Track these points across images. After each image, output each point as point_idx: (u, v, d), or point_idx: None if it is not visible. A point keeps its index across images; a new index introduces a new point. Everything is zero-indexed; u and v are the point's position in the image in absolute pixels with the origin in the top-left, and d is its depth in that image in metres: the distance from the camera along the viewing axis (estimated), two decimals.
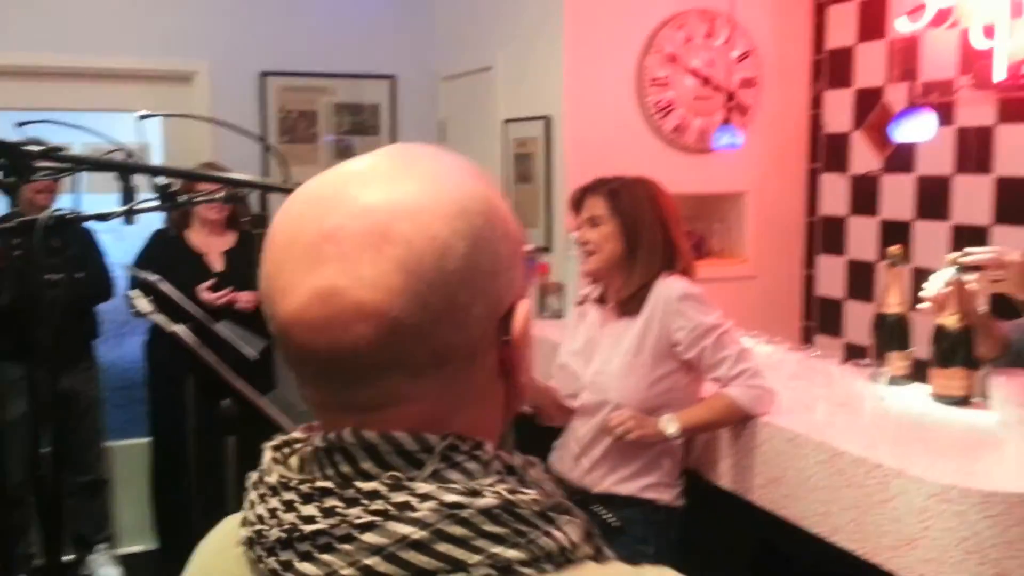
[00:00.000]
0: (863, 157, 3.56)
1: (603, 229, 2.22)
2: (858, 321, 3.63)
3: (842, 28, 3.61)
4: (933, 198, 3.27)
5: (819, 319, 3.79)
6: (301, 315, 0.61)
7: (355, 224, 0.61)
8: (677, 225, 2.22)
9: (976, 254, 2.07)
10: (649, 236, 2.17)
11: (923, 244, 3.32)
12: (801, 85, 3.78)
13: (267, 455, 0.68)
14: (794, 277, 3.86)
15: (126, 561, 3.98)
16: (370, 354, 0.61)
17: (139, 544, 4.11)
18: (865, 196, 3.56)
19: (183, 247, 3.82)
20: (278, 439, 0.70)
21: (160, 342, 3.73)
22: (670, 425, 2.05)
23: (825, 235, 3.77)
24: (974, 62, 3.00)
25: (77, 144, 4.21)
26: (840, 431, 1.92)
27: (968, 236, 3.13)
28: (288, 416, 1.63)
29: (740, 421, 2.06)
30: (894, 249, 2.32)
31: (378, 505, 0.59)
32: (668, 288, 2.12)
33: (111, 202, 1.80)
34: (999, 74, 2.82)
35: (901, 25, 3.14)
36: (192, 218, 3.88)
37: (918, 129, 2.53)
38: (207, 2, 4.17)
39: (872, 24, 3.47)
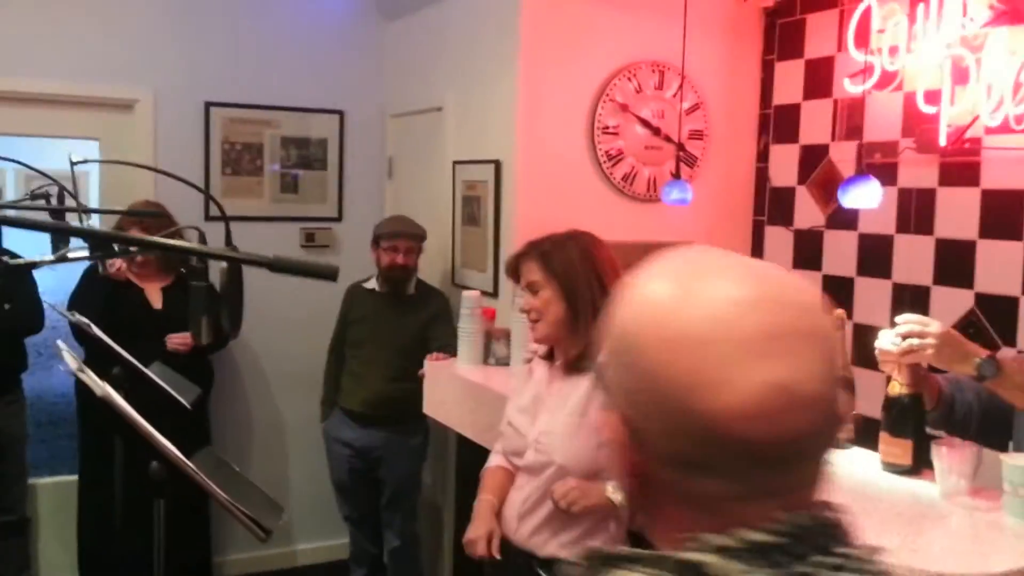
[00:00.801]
0: (807, 212, 3.61)
1: (543, 294, 2.19)
2: None
3: (789, 85, 3.67)
4: (875, 256, 3.33)
5: None
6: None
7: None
8: (616, 276, 2.18)
9: (900, 325, 2.09)
10: (587, 293, 2.14)
11: (864, 301, 3.37)
12: (748, 139, 3.83)
13: None
14: None
15: None
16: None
17: None
18: (809, 250, 3.61)
19: (120, 283, 3.69)
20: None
21: None
22: (617, 493, 2.02)
23: None
24: (917, 125, 3.06)
25: (10, 169, 4.08)
26: None
27: (910, 295, 3.18)
28: (217, 476, 1.55)
29: None
30: (837, 313, 2.33)
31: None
32: None
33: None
34: (942, 139, 2.88)
35: (847, 85, 3.20)
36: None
37: (864, 196, 2.57)
38: (153, 29, 4.08)
39: (818, 82, 3.53)
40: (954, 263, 3.04)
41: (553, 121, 3.46)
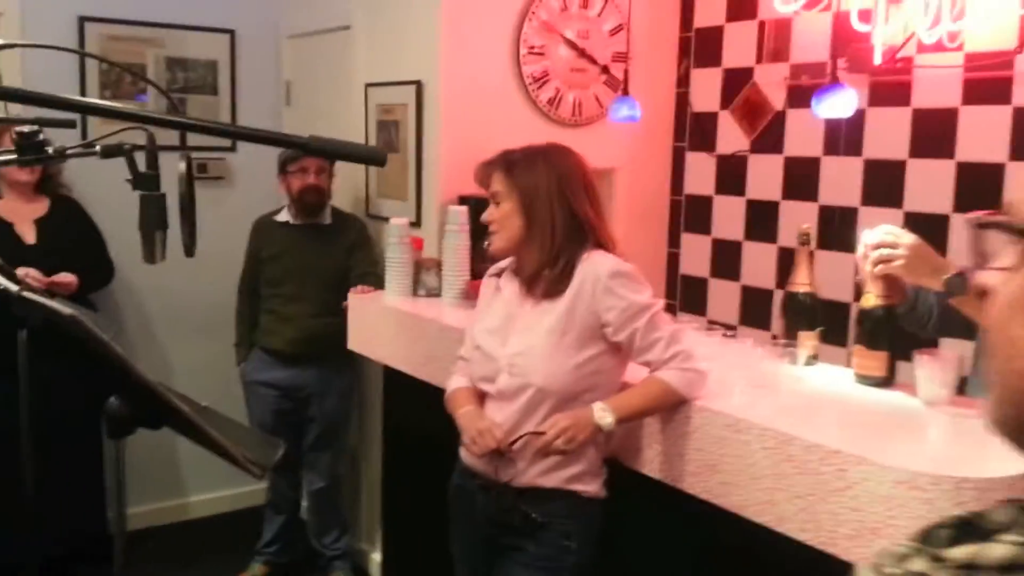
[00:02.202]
0: (730, 137, 3.59)
1: (503, 206, 2.08)
2: (722, 299, 3.67)
3: (711, 7, 3.61)
4: (801, 179, 3.34)
5: (683, 297, 3.81)
6: None
7: None
8: (584, 197, 2.07)
9: (872, 236, 2.07)
10: (547, 211, 2.03)
11: (790, 224, 3.38)
12: (669, 62, 3.76)
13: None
14: (659, 255, 3.86)
15: None
16: None
17: None
18: (732, 176, 3.59)
19: None
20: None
21: None
22: (605, 417, 1.92)
23: (690, 214, 3.78)
24: (847, 45, 3.06)
25: None
26: (774, 414, 1.86)
27: (837, 216, 3.21)
28: (198, 415, 1.35)
29: (674, 406, 1.96)
30: (804, 228, 2.30)
31: None
32: (597, 265, 1.99)
33: None
34: (876, 58, 2.88)
35: (777, 6, 3.16)
36: None
37: (839, 105, 2.53)
38: None
39: (742, 4, 3.48)
40: (884, 183, 3.08)
41: (477, 39, 3.27)
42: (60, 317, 1.15)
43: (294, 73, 4.19)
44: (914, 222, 2.99)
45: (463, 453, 2.14)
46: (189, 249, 1.52)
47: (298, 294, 3.50)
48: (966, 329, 2.31)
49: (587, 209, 2.06)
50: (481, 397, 2.14)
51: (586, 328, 1.98)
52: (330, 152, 0.98)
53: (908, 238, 2.03)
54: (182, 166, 1.46)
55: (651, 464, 2.05)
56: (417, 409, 2.98)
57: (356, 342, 3.15)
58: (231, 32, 4.12)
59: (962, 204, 2.89)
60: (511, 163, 2.07)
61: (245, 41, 4.16)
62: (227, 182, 4.18)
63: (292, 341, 3.50)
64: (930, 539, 0.63)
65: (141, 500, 4.06)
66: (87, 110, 0.97)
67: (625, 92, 3.27)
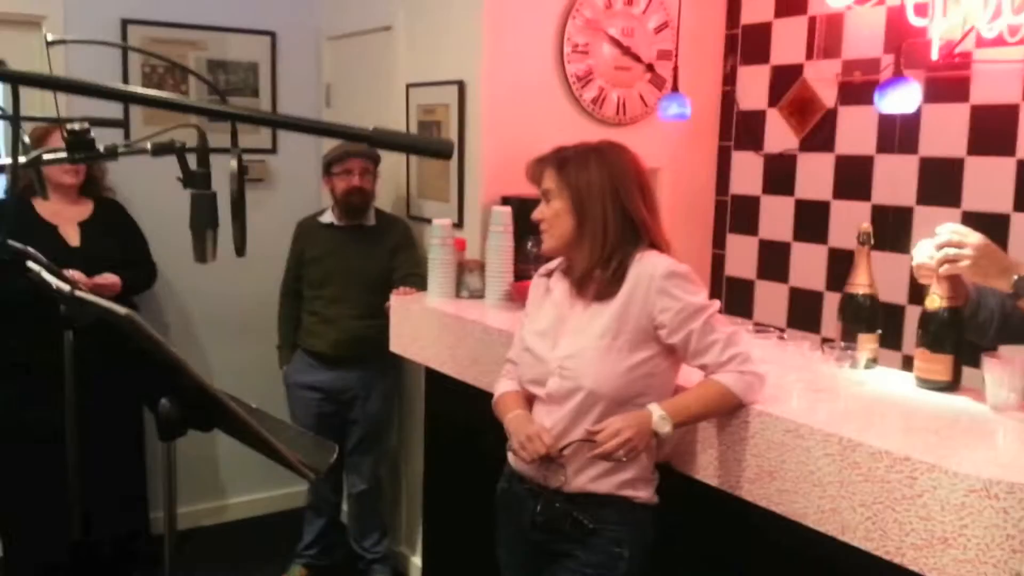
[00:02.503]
0: (779, 135, 3.51)
1: (554, 204, 2.03)
2: (769, 302, 3.59)
3: (758, 3, 3.54)
4: (854, 178, 3.25)
5: (728, 299, 3.73)
6: None
7: None
8: (638, 197, 2.01)
9: (938, 236, 2.01)
10: (599, 210, 1.97)
11: (841, 224, 3.30)
12: (715, 60, 3.69)
13: None
14: (704, 256, 3.79)
15: None
16: None
17: None
18: (780, 175, 3.51)
19: (30, 217, 3.31)
20: None
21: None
22: (663, 424, 1.86)
23: (736, 214, 3.71)
24: (901, 40, 2.97)
25: None
26: (836, 419, 1.80)
27: (892, 216, 3.12)
28: (253, 417, 1.32)
29: (731, 411, 1.90)
30: (864, 227, 2.23)
31: None
32: (651, 265, 1.94)
33: None
34: (934, 53, 2.80)
35: (829, 0, 3.08)
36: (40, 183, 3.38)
37: (903, 99, 2.46)
38: None
39: (792, 0, 3.41)
40: (940, 182, 2.99)
41: (520, 38, 3.23)
42: (115, 316, 1.12)
43: (334, 75, 4.18)
44: (973, 221, 2.88)
45: (511, 458, 2.09)
46: (240, 248, 1.49)
47: (341, 296, 3.48)
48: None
49: (641, 209, 2.00)
50: (530, 401, 2.09)
51: (639, 330, 1.93)
52: (394, 144, 0.94)
53: (975, 237, 1.96)
54: (233, 163, 1.43)
55: (706, 470, 1.99)
56: (459, 412, 2.95)
57: (398, 344, 3.12)
58: (272, 34, 4.11)
59: (1023, 203, 2.80)
60: (563, 160, 2.02)
61: (286, 43, 4.16)
62: (267, 184, 4.18)
63: (335, 343, 3.48)
64: None
65: (180, 501, 4.06)
66: (137, 100, 0.94)
67: (675, 89, 3.21)
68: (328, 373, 3.52)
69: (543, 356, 2.03)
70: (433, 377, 3.07)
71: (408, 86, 3.56)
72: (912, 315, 2.95)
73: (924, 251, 2.02)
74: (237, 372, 4.05)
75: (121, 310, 1.12)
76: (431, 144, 0.91)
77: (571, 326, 2.02)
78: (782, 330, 3.20)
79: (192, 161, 1.54)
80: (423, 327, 2.96)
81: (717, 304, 1.94)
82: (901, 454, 1.60)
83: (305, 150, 4.19)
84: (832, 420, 1.79)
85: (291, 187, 4.20)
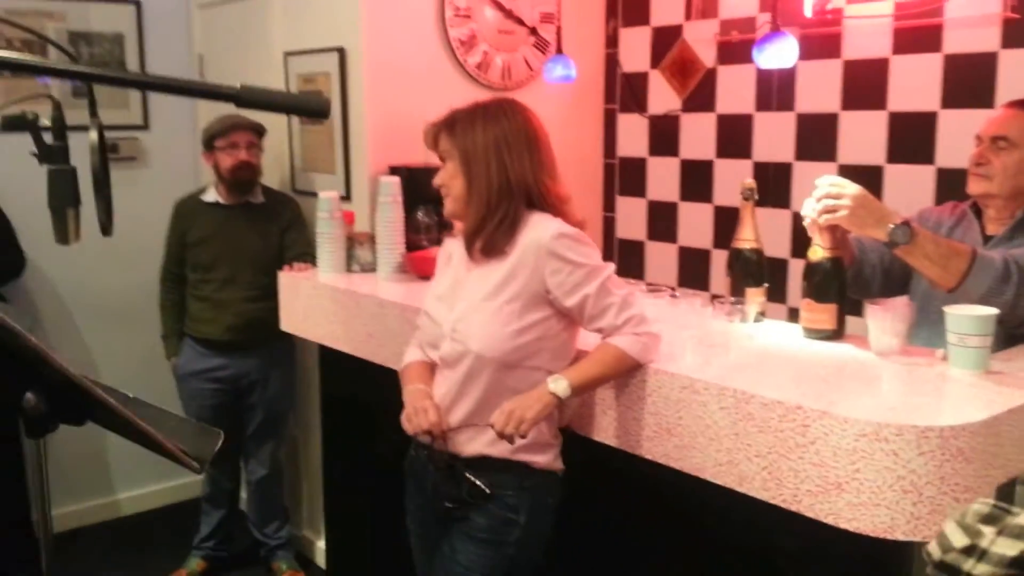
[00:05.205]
0: (662, 97, 3.54)
1: (448, 167, 2.00)
2: (659, 262, 3.64)
3: None
4: (736, 137, 3.31)
5: (620, 261, 3.76)
6: None
7: None
8: (526, 155, 1.96)
9: (817, 188, 2.05)
10: (483, 168, 1.94)
11: (725, 182, 3.36)
12: (598, 22, 3.68)
13: None
14: (595, 219, 3.81)
15: None
16: None
17: None
18: (664, 137, 3.55)
19: None
20: None
21: None
22: (559, 386, 1.85)
23: (624, 176, 3.73)
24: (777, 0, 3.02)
25: None
26: (729, 372, 1.82)
27: (772, 172, 3.19)
28: (129, 409, 1.24)
29: (629, 372, 1.91)
30: (748, 183, 2.26)
31: None
32: (541, 228, 1.91)
33: None
34: (807, 10, 2.86)
35: None
36: None
37: (781, 54, 2.49)
38: None
39: None
40: (817, 137, 3.07)
41: (401, 2, 3.15)
42: None
43: (207, 45, 4.00)
44: (849, 174, 2.95)
45: (404, 425, 2.05)
46: (106, 227, 1.39)
47: (233, 278, 3.33)
48: (907, 286, 2.32)
49: (526, 168, 1.96)
50: (433, 368, 2.06)
51: (531, 294, 1.91)
52: (265, 103, 0.87)
53: (852, 188, 2.01)
54: (93, 135, 1.33)
55: (606, 431, 1.99)
56: (356, 389, 2.89)
57: (289, 323, 3.03)
58: (137, 3, 3.90)
59: (895, 155, 2.90)
60: (453, 122, 1.98)
61: (152, 11, 3.95)
62: (141, 163, 3.98)
63: (229, 328, 3.34)
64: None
65: (67, 500, 3.88)
66: None
67: (559, 52, 3.19)
68: (222, 360, 3.38)
69: (439, 319, 2.01)
70: (328, 355, 2.99)
71: (286, 55, 3.44)
72: (795, 268, 3.03)
73: (807, 205, 2.06)
74: (123, 365, 3.88)
75: None
76: (306, 102, 0.85)
77: (464, 290, 1.99)
78: (674, 289, 3.25)
79: (49, 138, 1.43)
80: (314, 304, 2.88)
81: (611, 267, 1.93)
82: (793, 403, 1.63)
83: (180, 125, 4.01)
84: (725, 374, 1.82)
85: (166, 165, 4.01)
